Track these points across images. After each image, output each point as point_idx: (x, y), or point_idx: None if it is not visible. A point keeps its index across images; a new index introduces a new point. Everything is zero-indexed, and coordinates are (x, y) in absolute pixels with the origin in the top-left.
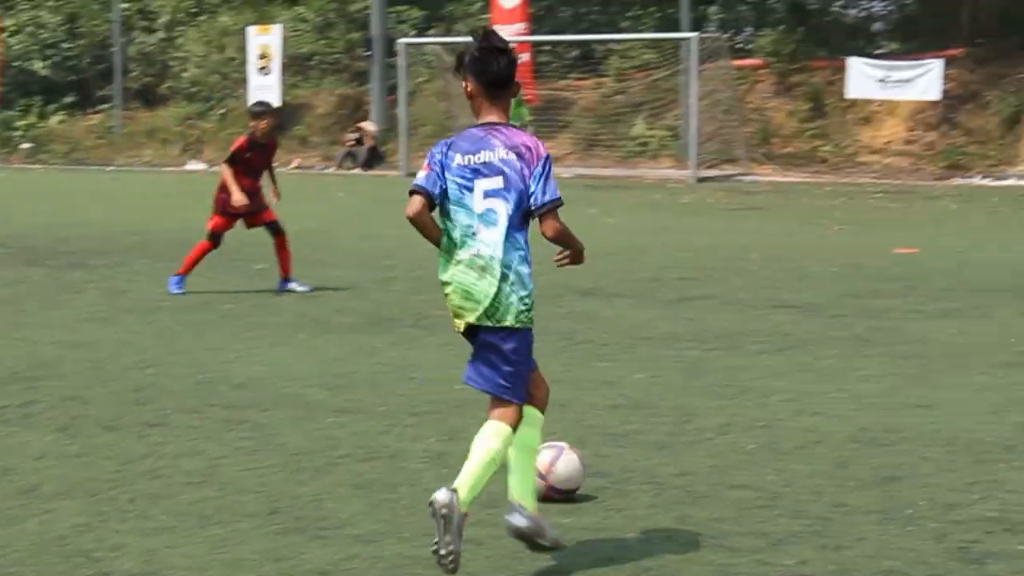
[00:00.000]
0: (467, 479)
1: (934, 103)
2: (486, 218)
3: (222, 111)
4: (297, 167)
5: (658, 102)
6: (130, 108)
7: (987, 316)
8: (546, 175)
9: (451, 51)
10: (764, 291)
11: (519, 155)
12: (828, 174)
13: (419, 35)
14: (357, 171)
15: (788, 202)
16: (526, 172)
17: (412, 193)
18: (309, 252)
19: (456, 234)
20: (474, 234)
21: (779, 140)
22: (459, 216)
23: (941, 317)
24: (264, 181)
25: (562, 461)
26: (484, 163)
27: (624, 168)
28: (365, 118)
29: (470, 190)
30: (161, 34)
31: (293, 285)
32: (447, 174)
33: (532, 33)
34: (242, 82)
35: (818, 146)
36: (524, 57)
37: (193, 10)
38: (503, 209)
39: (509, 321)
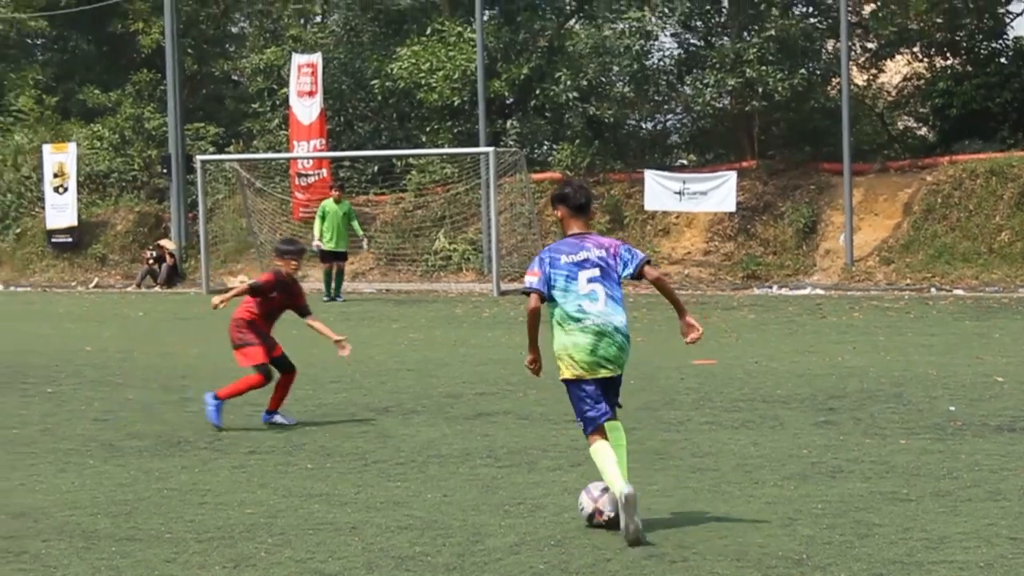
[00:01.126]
0: (622, 470)
1: (730, 214)
2: (590, 296)
3: (18, 231)
4: (96, 286)
5: (459, 216)
6: None
7: (780, 427)
8: (629, 251)
9: (249, 167)
10: (561, 405)
11: (605, 250)
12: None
13: (218, 151)
14: (157, 289)
15: None
16: (612, 262)
17: (528, 293)
18: (104, 374)
19: (570, 311)
20: (584, 310)
21: None
22: (569, 299)
23: (735, 428)
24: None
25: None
26: (584, 260)
27: (427, 282)
28: (165, 235)
29: (575, 279)
30: None
31: (278, 418)
32: (553, 271)
33: (331, 149)
34: (38, 201)
35: None
36: (323, 173)
37: None
38: (601, 290)
39: (624, 368)
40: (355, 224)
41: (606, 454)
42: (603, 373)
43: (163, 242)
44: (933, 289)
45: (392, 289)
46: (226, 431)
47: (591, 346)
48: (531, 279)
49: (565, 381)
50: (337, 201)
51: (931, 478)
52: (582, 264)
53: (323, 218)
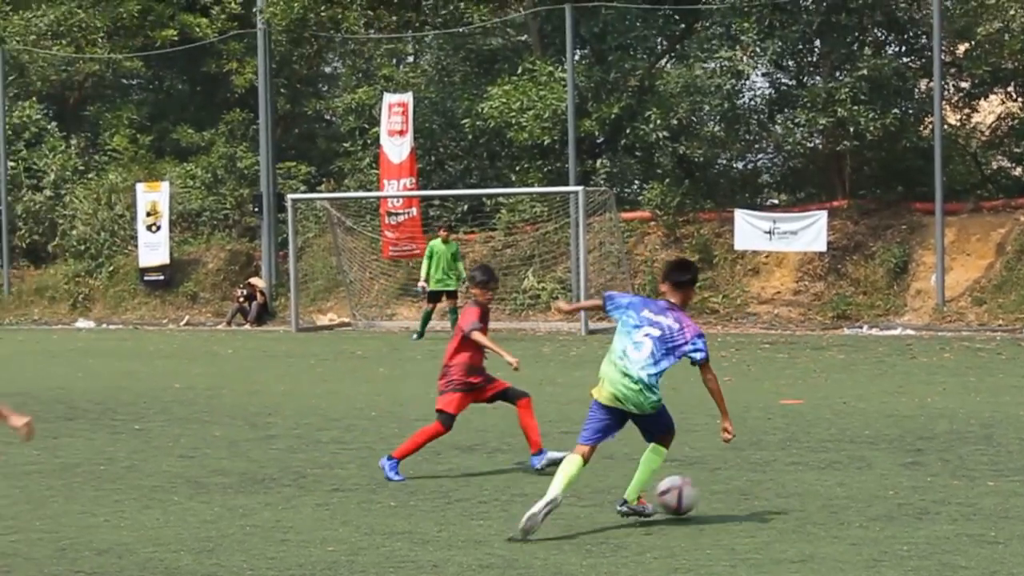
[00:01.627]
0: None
1: (821, 254)
2: (637, 346)
3: (111, 268)
4: (187, 324)
5: (548, 255)
6: (18, 267)
7: (867, 468)
8: (704, 342)
9: (339, 205)
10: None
11: (681, 325)
12: (718, 325)
13: (309, 190)
14: (247, 327)
15: None
16: (679, 338)
17: (601, 295)
18: (192, 411)
19: (617, 347)
20: (626, 353)
21: None
22: (623, 339)
23: (821, 469)
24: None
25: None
26: (657, 322)
27: (515, 321)
28: (256, 273)
29: (639, 328)
30: (48, 192)
31: (549, 456)
32: (632, 312)
33: (421, 187)
34: (131, 239)
35: (708, 297)
36: (413, 212)
37: (81, 168)
38: (649, 346)
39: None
40: (460, 265)
41: (568, 464)
42: (616, 405)
43: (254, 280)
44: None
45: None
46: (310, 469)
47: (613, 381)
48: (616, 292)
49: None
50: (445, 241)
51: (1019, 521)
52: (653, 324)
53: (430, 258)
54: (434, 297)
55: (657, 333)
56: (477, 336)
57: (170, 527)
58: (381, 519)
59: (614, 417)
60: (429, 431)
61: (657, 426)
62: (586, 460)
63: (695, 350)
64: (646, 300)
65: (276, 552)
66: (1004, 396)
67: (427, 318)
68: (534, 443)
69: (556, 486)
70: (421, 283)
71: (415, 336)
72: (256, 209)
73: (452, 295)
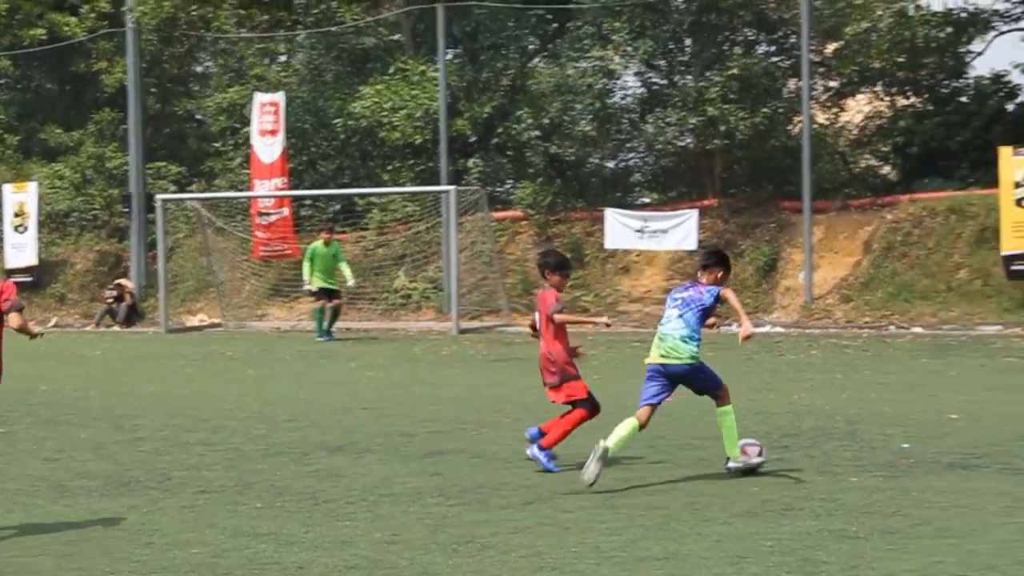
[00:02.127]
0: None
1: (691, 252)
2: (668, 316)
3: None
4: (55, 325)
5: (420, 254)
6: None
7: None
8: (713, 295)
9: (210, 206)
10: (515, 444)
11: (697, 291)
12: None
13: (179, 191)
14: (116, 328)
15: None
16: (696, 299)
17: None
18: (58, 413)
19: (661, 322)
20: (662, 322)
21: None
22: (664, 316)
23: (687, 466)
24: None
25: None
26: (681, 297)
27: (387, 321)
28: (125, 274)
29: (670, 307)
30: None
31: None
32: (668, 299)
33: (292, 188)
34: None
35: (579, 296)
36: (285, 212)
37: None
38: (675, 314)
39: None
40: (343, 266)
41: (624, 426)
42: (661, 361)
43: (123, 281)
44: (892, 327)
45: (352, 328)
46: (176, 471)
47: (658, 346)
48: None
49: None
50: (327, 243)
51: (880, 516)
52: (678, 299)
53: (312, 260)
54: (323, 294)
55: (680, 303)
56: (562, 317)
57: (33, 531)
58: (247, 521)
59: (664, 380)
60: (575, 418)
61: (701, 381)
62: (643, 424)
63: (709, 295)
64: (679, 289)
65: (140, 555)
66: (869, 393)
67: (321, 315)
68: (550, 441)
69: (611, 439)
70: (307, 285)
71: (319, 337)
72: (125, 209)
73: (335, 295)
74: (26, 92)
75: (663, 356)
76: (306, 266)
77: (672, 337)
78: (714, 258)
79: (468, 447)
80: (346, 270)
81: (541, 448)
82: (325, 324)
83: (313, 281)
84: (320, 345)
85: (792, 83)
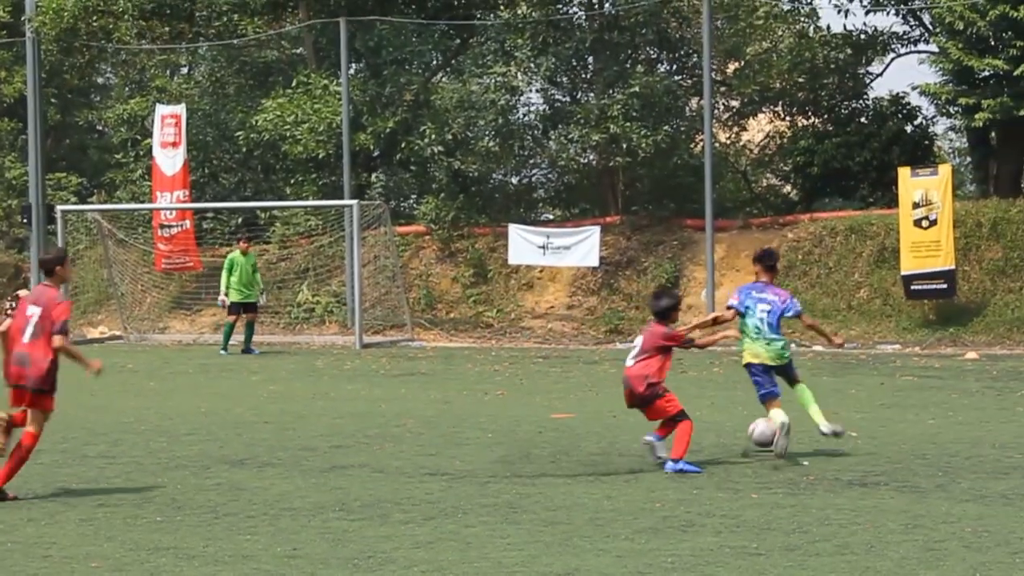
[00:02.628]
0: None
1: (594, 269)
2: (762, 320)
3: None
4: None
5: (323, 268)
6: None
7: (635, 481)
8: (793, 302)
9: (111, 217)
10: (417, 458)
11: (778, 296)
12: (492, 339)
13: (80, 202)
14: None
15: (451, 367)
16: (779, 304)
17: (729, 309)
18: None
19: (750, 327)
20: (759, 328)
21: (444, 305)
22: (751, 320)
23: (590, 482)
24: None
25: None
26: (764, 298)
27: (289, 334)
28: (24, 286)
29: (756, 308)
30: None
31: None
32: (748, 300)
33: (194, 200)
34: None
35: (482, 311)
36: (187, 224)
37: None
38: (766, 318)
39: (777, 361)
40: (257, 276)
41: (782, 415)
42: (766, 362)
43: (22, 293)
44: (793, 344)
45: (254, 341)
46: (75, 484)
47: (760, 350)
48: (733, 301)
49: (745, 364)
50: (244, 253)
51: (781, 532)
52: (763, 301)
53: (230, 270)
54: (236, 309)
55: (768, 307)
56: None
57: None
58: (147, 534)
59: (768, 373)
60: (688, 428)
61: (790, 371)
62: (777, 405)
63: (790, 309)
64: (749, 287)
65: (37, 568)
66: None
67: (229, 329)
68: (679, 453)
69: (781, 416)
70: (221, 296)
71: (222, 351)
72: (25, 220)
73: (252, 308)
74: None
75: (772, 359)
76: (224, 276)
77: (775, 344)
78: (775, 258)
79: (370, 461)
80: (259, 281)
81: (676, 461)
82: (243, 340)
83: (230, 294)
84: (221, 359)
85: (694, 102)
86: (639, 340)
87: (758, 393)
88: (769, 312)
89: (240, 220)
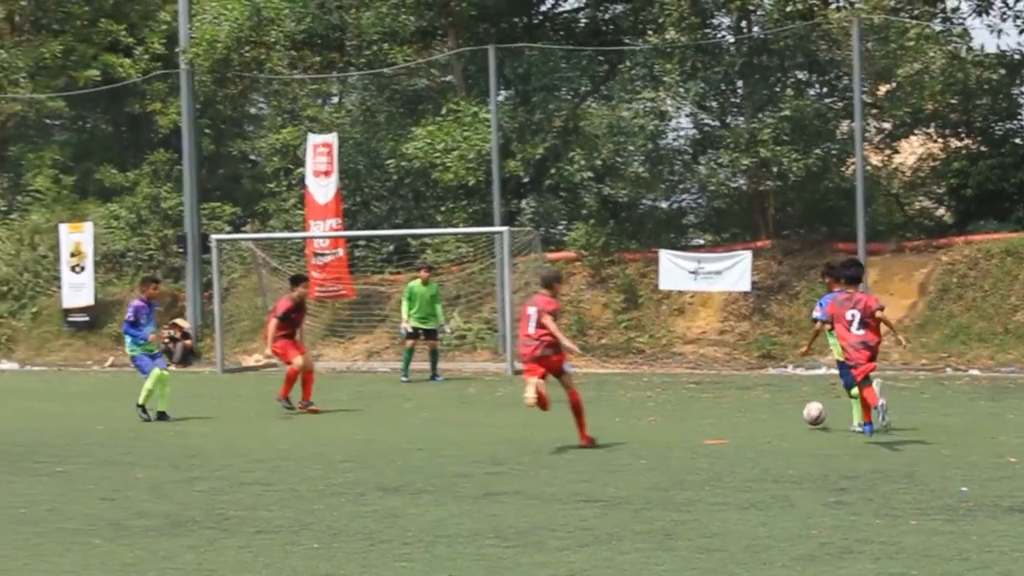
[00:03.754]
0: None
1: (745, 294)
2: (851, 325)
3: (34, 310)
4: (111, 365)
5: (474, 295)
6: None
7: (790, 507)
8: (879, 306)
9: (264, 246)
10: (572, 485)
11: (863, 302)
12: (644, 365)
13: (234, 231)
14: (173, 368)
15: (603, 393)
16: (866, 312)
17: (815, 322)
18: (114, 453)
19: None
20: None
21: (595, 332)
22: (838, 328)
23: (744, 509)
24: None
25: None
26: (849, 307)
27: (441, 361)
28: (181, 314)
29: (842, 314)
30: None
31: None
32: (832, 309)
33: (346, 228)
34: (54, 280)
35: (633, 337)
36: (339, 252)
37: (3, 208)
38: (857, 322)
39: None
40: (438, 307)
41: (875, 393)
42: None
43: (179, 321)
44: (948, 369)
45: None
46: (233, 511)
47: (845, 348)
48: (818, 314)
49: (837, 360)
50: (425, 282)
51: (941, 560)
52: (849, 309)
53: (411, 300)
54: (414, 334)
55: (855, 313)
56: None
57: (90, 570)
58: (304, 561)
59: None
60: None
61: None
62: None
63: (878, 308)
64: (832, 296)
65: None
66: (927, 435)
67: (409, 356)
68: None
69: (878, 398)
70: (403, 324)
71: (404, 379)
72: (180, 250)
73: (432, 334)
74: (81, 133)
75: (867, 360)
76: (404, 305)
77: (864, 345)
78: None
79: (524, 488)
80: (440, 313)
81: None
82: (428, 367)
83: (410, 321)
84: (375, 386)
85: (845, 125)
86: (856, 312)
87: (846, 382)
88: (857, 317)
89: (392, 248)
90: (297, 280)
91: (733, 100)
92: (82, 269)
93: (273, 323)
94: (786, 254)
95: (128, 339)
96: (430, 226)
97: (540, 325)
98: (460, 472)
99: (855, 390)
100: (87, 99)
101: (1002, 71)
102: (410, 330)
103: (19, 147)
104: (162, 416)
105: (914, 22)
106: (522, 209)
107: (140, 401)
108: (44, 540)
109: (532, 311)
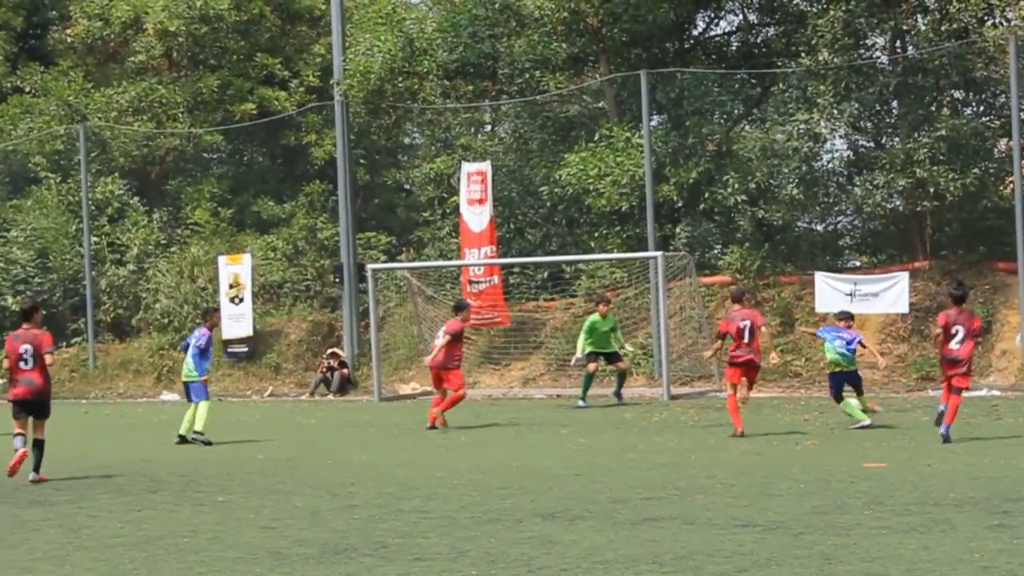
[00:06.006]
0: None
1: (903, 316)
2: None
3: None
4: (270, 395)
5: (629, 320)
6: (103, 341)
7: (951, 530)
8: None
9: (420, 274)
10: (729, 509)
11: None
12: (801, 388)
13: (389, 260)
14: (330, 397)
15: (760, 417)
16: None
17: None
18: (273, 481)
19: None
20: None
21: None
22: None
23: (905, 532)
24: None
25: None
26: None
27: (596, 387)
28: (338, 344)
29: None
30: (132, 266)
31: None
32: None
33: (501, 256)
34: (214, 311)
35: (790, 361)
36: (495, 280)
37: (163, 241)
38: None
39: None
40: (618, 335)
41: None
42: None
43: (337, 350)
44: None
45: (563, 394)
46: (392, 539)
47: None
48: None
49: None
50: (603, 316)
51: None
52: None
53: (590, 333)
54: (594, 357)
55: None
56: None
57: None
58: None
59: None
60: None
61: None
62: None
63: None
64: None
65: None
66: None
67: (589, 381)
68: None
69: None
70: (577, 355)
71: (580, 402)
72: (337, 279)
73: (614, 357)
74: (238, 166)
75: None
76: (582, 338)
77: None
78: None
79: (681, 513)
80: (620, 339)
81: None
82: (613, 388)
83: (584, 349)
84: (531, 412)
85: (1003, 143)
86: (959, 329)
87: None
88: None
89: (546, 274)
90: (460, 307)
91: (888, 120)
92: (241, 300)
93: (444, 340)
94: (944, 275)
95: (193, 363)
96: (584, 252)
97: (753, 336)
98: (617, 498)
99: (844, 402)
100: (244, 132)
101: None
102: (580, 360)
103: (178, 181)
104: (183, 440)
105: None
106: (676, 234)
107: (199, 428)
108: (206, 569)
109: (746, 324)
